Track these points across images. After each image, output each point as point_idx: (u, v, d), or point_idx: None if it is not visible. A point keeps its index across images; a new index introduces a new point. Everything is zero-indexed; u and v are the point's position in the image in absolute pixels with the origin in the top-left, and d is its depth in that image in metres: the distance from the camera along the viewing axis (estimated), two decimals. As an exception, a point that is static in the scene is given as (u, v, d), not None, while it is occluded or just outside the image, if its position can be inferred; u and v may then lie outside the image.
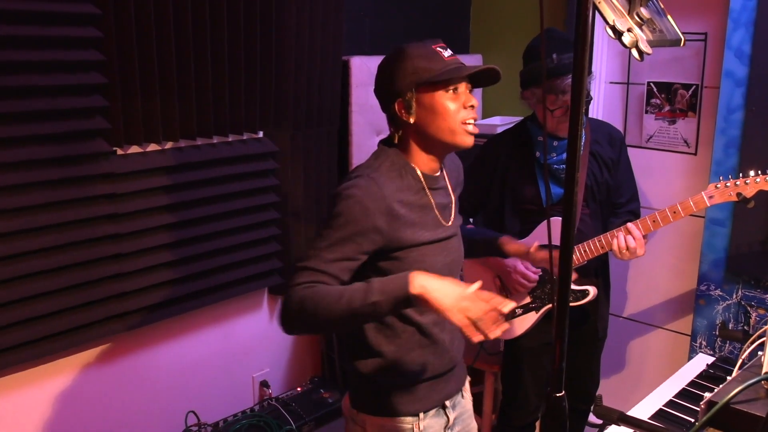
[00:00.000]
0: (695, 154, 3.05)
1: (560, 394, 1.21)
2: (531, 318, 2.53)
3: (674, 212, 2.32)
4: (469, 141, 1.70)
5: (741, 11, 2.62)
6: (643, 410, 1.94)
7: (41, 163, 2.16)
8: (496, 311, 1.43)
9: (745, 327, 2.76)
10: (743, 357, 1.65)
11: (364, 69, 3.14)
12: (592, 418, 2.83)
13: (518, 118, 3.59)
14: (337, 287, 1.56)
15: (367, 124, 3.22)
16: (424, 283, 1.47)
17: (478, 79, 1.72)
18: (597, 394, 1.96)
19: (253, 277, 2.83)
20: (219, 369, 2.85)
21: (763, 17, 2.58)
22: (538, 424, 2.58)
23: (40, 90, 2.12)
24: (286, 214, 2.89)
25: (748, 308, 2.76)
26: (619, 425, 1.69)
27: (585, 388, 2.70)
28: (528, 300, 2.53)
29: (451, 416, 1.87)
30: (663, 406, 1.96)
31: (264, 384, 3.00)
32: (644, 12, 1.20)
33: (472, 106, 1.69)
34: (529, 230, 2.52)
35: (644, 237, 2.36)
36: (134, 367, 2.57)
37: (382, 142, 1.77)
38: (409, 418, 1.77)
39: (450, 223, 1.79)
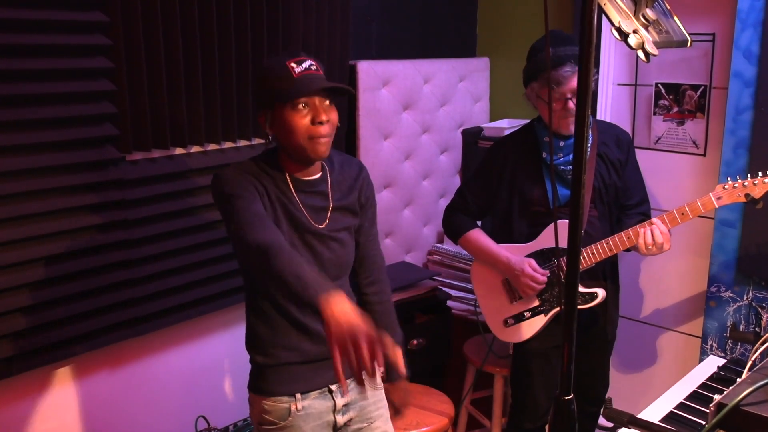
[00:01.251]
0: (704, 155, 3.04)
1: (569, 397, 1.21)
2: (540, 321, 2.53)
3: (682, 214, 2.31)
4: (318, 154, 1.78)
5: (749, 11, 2.62)
6: (654, 413, 1.94)
7: (50, 171, 2.17)
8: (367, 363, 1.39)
9: (756, 329, 2.75)
10: (753, 358, 1.64)
11: (371, 73, 3.15)
12: (602, 420, 2.82)
13: (526, 121, 3.60)
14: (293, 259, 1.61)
15: (375, 128, 3.23)
16: (332, 307, 1.45)
17: (335, 91, 1.79)
18: (607, 396, 1.95)
19: (262, 282, 2.83)
20: (229, 373, 2.86)
21: (771, 17, 2.57)
22: (548, 427, 2.57)
23: (50, 98, 2.14)
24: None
25: (759, 310, 2.75)
26: (629, 428, 1.68)
27: (595, 390, 2.70)
28: (536, 303, 2.53)
29: (339, 401, 1.96)
30: (673, 408, 1.96)
31: (274, 388, 3.00)
32: (650, 13, 1.20)
33: (321, 123, 1.75)
34: (538, 232, 2.52)
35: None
36: (144, 372, 2.58)
37: (265, 147, 1.91)
38: (285, 398, 1.89)
39: (323, 225, 1.88)
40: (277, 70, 1.76)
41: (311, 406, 1.92)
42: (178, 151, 2.51)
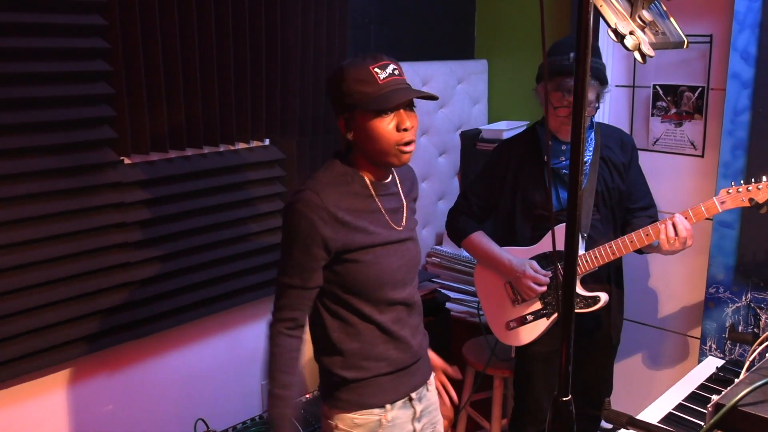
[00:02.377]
0: (702, 156, 3.04)
1: (567, 398, 1.21)
2: (542, 325, 2.53)
3: (686, 218, 2.30)
4: (402, 160, 1.76)
5: (746, 13, 2.62)
6: (653, 414, 1.94)
7: (49, 173, 2.17)
8: None
9: (755, 329, 2.75)
10: (751, 359, 1.64)
11: (369, 76, 3.15)
12: (604, 423, 2.82)
13: (524, 123, 3.61)
14: (286, 362, 1.79)
15: (373, 131, 3.23)
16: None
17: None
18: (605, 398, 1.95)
19: (261, 285, 2.83)
20: (228, 376, 2.85)
21: (769, 18, 2.57)
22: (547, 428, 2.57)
23: (48, 100, 2.14)
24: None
25: (758, 311, 2.75)
26: (628, 429, 1.68)
27: (598, 394, 2.69)
28: (539, 306, 2.53)
29: (418, 408, 1.94)
30: (672, 409, 1.96)
31: (273, 391, 3.00)
32: (646, 15, 1.20)
33: (406, 129, 1.72)
34: (541, 236, 2.52)
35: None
36: (143, 375, 2.58)
37: (335, 152, 1.86)
38: (376, 410, 1.86)
39: (402, 227, 1.86)
40: (361, 75, 1.70)
41: (397, 416, 1.89)
42: (176, 154, 2.51)
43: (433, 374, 2.06)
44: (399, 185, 1.90)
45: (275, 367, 1.77)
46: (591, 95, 2.35)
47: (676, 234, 2.30)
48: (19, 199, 2.11)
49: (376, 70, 1.70)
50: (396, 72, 1.73)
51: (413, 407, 1.93)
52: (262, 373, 1.83)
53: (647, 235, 2.35)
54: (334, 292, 1.81)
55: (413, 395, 1.93)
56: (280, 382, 1.77)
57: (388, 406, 1.87)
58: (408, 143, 1.73)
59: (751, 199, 2.21)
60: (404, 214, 1.88)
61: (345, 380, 1.85)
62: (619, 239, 2.38)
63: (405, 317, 1.88)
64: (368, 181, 1.80)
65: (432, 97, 1.75)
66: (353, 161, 1.81)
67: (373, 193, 1.81)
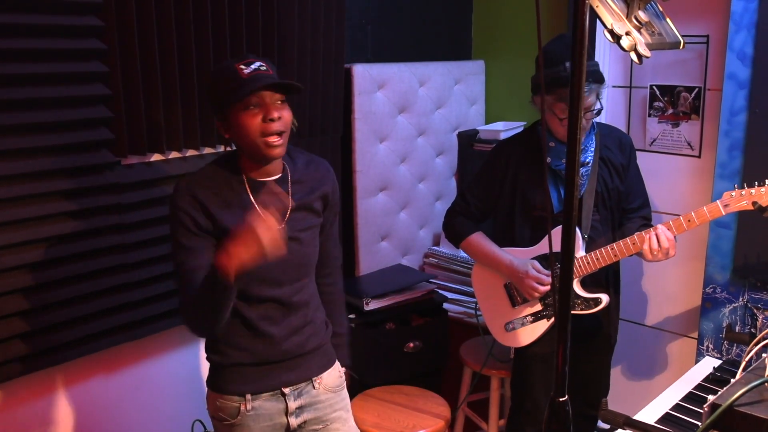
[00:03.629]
0: (699, 156, 3.05)
1: (564, 399, 1.21)
2: (542, 326, 2.53)
3: (689, 220, 2.30)
4: (273, 153, 1.80)
5: (742, 13, 2.62)
6: (650, 414, 1.94)
7: (46, 175, 2.17)
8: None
9: (752, 329, 2.75)
10: (747, 359, 1.64)
11: (366, 76, 3.15)
12: (601, 423, 2.82)
13: (521, 123, 3.61)
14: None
15: (371, 132, 3.23)
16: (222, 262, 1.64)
17: (288, 89, 1.81)
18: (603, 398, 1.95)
19: (258, 286, 2.83)
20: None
21: (765, 19, 2.58)
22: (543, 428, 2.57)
23: (44, 102, 2.14)
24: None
25: (755, 311, 2.75)
26: (624, 429, 1.68)
27: (597, 394, 2.69)
28: (539, 308, 2.53)
29: (292, 403, 1.99)
30: (669, 409, 1.96)
31: (270, 392, 3.00)
32: (642, 15, 1.20)
33: (272, 120, 1.76)
34: (540, 237, 2.51)
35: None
36: (141, 376, 2.57)
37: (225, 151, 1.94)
38: (236, 398, 1.93)
39: (280, 226, 1.86)
40: (226, 73, 1.78)
41: (261, 407, 1.94)
42: (174, 155, 2.51)
43: (330, 370, 2.06)
44: (289, 186, 1.92)
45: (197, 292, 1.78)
46: (592, 98, 2.35)
47: (659, 245, 2.31)
48: (16, 200, 2.11)
49: (241, 66, 1.77)
50: (263, 68, 1.78)
51: (286, 402, 1.97)
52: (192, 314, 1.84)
53: (633, 244, 2.37)
54: None
55: (287, 390, 1.97)
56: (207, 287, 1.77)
57: (248, 396, 1.92)
58: (274, 135, 1.77)
59: (754, 203, 2.21)
60: (287, 215, 1.90)
61: (212, 362, 1.97)
62: (621, 241, 2.39)
63: (277, 316, 1.93)
64: (245, 178, 1.87)
65: (296, 88, 1.81)
66: (238, 158, 1.88)
67: (248, 189, 1.87)
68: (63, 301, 2.24)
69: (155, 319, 2.50)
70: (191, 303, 1.79)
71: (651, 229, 2.34)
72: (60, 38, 2.14)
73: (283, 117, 1.79)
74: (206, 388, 2.01)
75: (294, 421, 2.00)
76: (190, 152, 2.56)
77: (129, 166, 2.39)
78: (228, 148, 1.94)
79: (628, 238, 2.37)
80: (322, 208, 2.00)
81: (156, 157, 2.46)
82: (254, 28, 2.59)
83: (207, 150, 2.60)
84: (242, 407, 1.92)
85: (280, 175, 1.91)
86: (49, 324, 2.22)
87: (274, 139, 1.78)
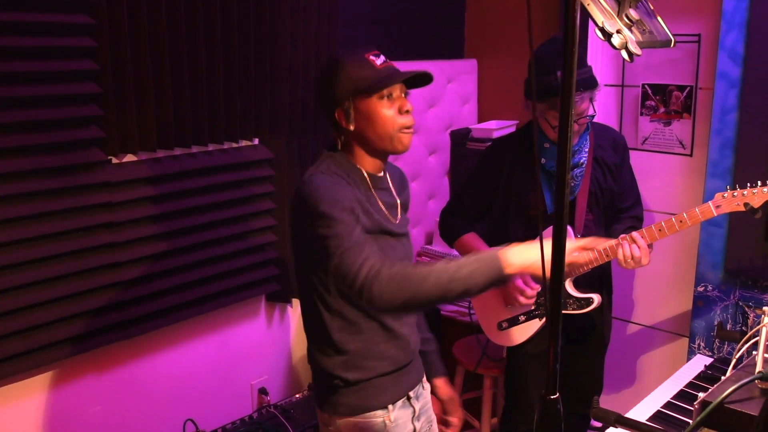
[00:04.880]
0: (691, 155, 3.05)
1: (555, 397, 1.21)
2: (534, 325, 2.53)
3: (680, 221, 2.30)
4: (404, 144, 1.76)
5: (734, 12, 2.63)
6: (641, 412, 1.95)
7: (36, 173, 2.16)
8: None
9: (743, 327, 2.76)
10: (737, 356, 1.64)
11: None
12: (594, 421, 2.82)
13: (513, 122, 3.61)
14: (424, 269, 1.57)
15: (363, 130, 3.22)
16: (514, 261, 1.54)
17: (413, 83, 1.79)
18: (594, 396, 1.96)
19: (250, 285, 2.83)
20: (217, 377, 2.85)
21: (756, 18, 2.58)
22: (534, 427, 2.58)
23: (35, 100, 2.13)
24: (283, 221, 2.89)
25: (746, 309, 2.76)
26: (616, 427, 1.68)
27: (590, 393, 2.69)
28: (531, 307, 2.53)
29: (417, 406, 1.93)
30: (661, 407, 1.97)
31: (262, 391, 2.99)
32: (633, 13, 1.20)
33: (408, 111, 1.75)
34: (533, 236, 2.51)
35: (649, 246, 2.35)
36: (132, 376, 2.57)
37: (328, 147, 1.85)
38: (380, 412, 1.82)
39: (398, 220, 1.86)
40: (358, 61, 1.74)
41: (399, 416, 1.86)
42: (165, 153, 2.50)
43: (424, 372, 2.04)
44: (390, 182, 1.90)
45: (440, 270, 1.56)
46: (585, 104, 2.36)
47: (631, 256, 2.31)
48: (6, 199, 2.10)
49: (371, 57, 1.75)
50: (387, 60, 1.78)
51: (412, 406, 1.91)
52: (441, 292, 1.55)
53: (612, 249, 2.36)
54: (337, 288, 1.76)
55: (411, 393, 1.91)
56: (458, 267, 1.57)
57: (390, 407, 1.84)
58: (409, 126, 1.76)
59: (746, 204, 2.21)
60: (398, 210, 1.88)
61: (347, 382, 1.80)
62: (611, 241, 2.39)
63: (404, 315, 1.88)
64: (366, 174, 1.80)
65: (428, 76, 1.78)
66: (350, 155, 1.81)
67: (371, 185, 1.81)
68: (53, 300, 2.24)
69: (147, 318, 2.49)
70: (408, 277, 1.55)
71: (628, 236, 2.33)
72: (51, 36, 2.14)
73: (411, 109, 1.77)
74: (328, 417, 1.84)
75: (418, 425, 1.93)
76: (182, 151, 2.55)
77: (119, 165, 2.38)
78: (337, 143, 1.81)
79: (608, 245, 2.36)
80: (408, 206, 1.98)
81: (147, 155, 2.45)
82: (247, 26, 2.58)
83: (197, 148, 2.59)
84: (387, 420, 1.83)
85: (384, 171, 1.88)
86: (39, 323, 2.21)
87: (409, 131, 1.76)
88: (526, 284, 2.44)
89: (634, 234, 2.32)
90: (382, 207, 1.82)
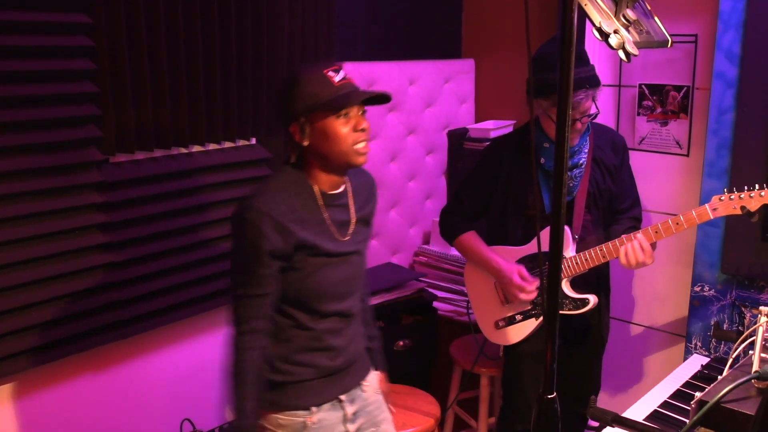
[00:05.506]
0: (687, 155, 3.06)
1: (552, 396, 1.21)
2: (531, 324, 2.53)
3: (677, 223, 2.31)
4: (360, 161, 1.78)
5: (731, 12, 2.64)
6: (638, 411, 1.95)
7: (33, 173, 2.15)
8: None
9: (740, 327, 2.76)
10: (734, 356, 1.65)
11: (356, 75, 3.15)
12: (592, 421, 2.83)
13: (511, 122, 3.61)
14: (252, 375, 1.79)
15: (361, 130, 3.22)
16: None
17: (371, 100, 1.80)
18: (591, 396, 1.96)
19: (247, 284, 2.82)
20: (214, 376, 2.82)
21: (753, 18, 2.59)
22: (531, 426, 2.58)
23: (32, 99, 2.12)
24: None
25: (743, 308, 2.77)
26: (613, 427, 1.69)
27: (587, 392, 2.69)
28: (528, 307, 2.53)
29: (349, 410, 1.95)
30: (658, 407, 1.97)
31: (260, 391, 2.99)
32: (631, 14, 1.20)
33: (363, 130, 1.76)
34: (532, 236, 2.52)
35: (652, 245, 2.35)
36: (129, 376, 2.56)
37: (284, 161, 1.86)
38: (301, 412, 1.87)
39: (347, 239, 1.87)
40: (315, 78, 1.74)
41: (324, 418, 1.90)
42: (162, 153, 2.50)
43: (371, 374, 2.07)
44: (351, 197, 1.91)
45: (245, 379, 1.78)
46: (589, 102, 2.36)
47: (635, 257, 2.33)
48: (2, 198, 2.09)
49: (330, 73, 1.75)
50: (347, 77, 1.78)
51: (343, 409, 1.93)
52: (227, 384, 1.82)
53: (615, 248, 2.38)
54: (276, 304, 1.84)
55: (343, 397, 1.94)
56: (251, 395, 1.78)
57: (313, 408, 1.88)
58: (364, 142, 1.77)
59: (743, 207, 2.21)
60: (351, 227, 1.89)
61: (271, 382, 1.87)
62: (609, 242, 2.39)
63: (342, 327, 1.91)
64: (317, 191, 1.82)
65: (385, 98, 1.80)
66: (304, 170, 1.82)
67: (321, 203, 1.82)
68: (49, 300, 2.23)
69: (143, 318, 2.49)
70: (236, 372, 1.80)
71: (631, 235, 2.35)
72: (48, 35, 2.13)
73: (368, 128, 1.78)
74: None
75: (352, 428, 1.96)
76: (179, 150, 2.55)
77: (117, 164, 2.38)
78: (290, 158, 1.86)
79: (609, 243, 2.39)
80: (370, 218, 1.99)
81: (144, 155, 2.44)
82: (244, 26, 2.58)
83: (196, 148, 2.59)
84: (308, 421, 1.87)
85: (343, 187, 1.89)
86: (35, 323, 2.20)
87: (364, 147, 1.77)
88: (524, 279, 2.45)
89: (638, 234, 2.33)
90: (331, 227, 1.83)
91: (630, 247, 2.34)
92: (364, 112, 1.78)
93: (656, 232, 2.33)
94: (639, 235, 2.34)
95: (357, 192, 1.93)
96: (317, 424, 1.88)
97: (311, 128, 1.75)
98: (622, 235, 2.38)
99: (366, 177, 2.01)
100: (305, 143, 1.76)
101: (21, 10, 2.05)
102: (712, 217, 2.27)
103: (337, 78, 1.74)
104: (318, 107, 1.72)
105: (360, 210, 1.92)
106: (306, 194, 1.81)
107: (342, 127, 1.73)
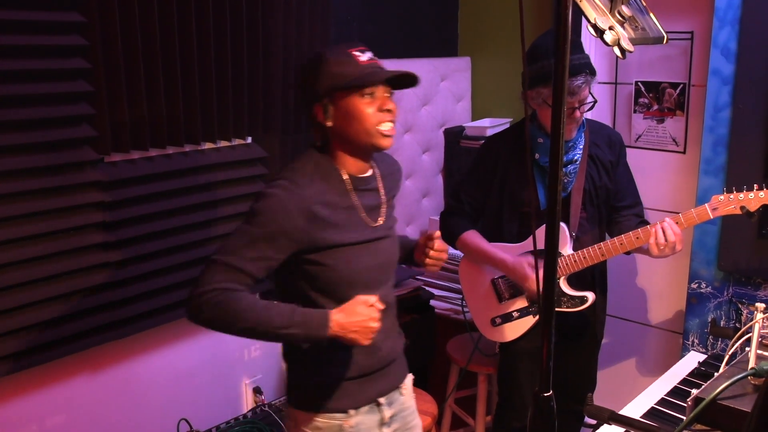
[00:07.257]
0: (684, 152, 3.06)
1: (548, 394, 1.21)
2: (528, 322, 2.53)
3: (676, 222, 2.31)
4: (385, 143, 1.73)
5: (726, 9, 2.64)
6: (635, 409, 1.95)
7: (28, 172, 2.14)
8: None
9: (737, 324, 2.77)
10: (730, 353, 1.65)
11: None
12: (588, 419, 2.83)
13: (507, 120, 3.61)
14: (258, 302, 1.64)
15: (357, 128, 3.22)
16: (339, 328, 1.62)
17: (398, 83, 1.75)
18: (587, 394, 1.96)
19: (244, 283, 2.82)
20: (211, 376, 2.84)
21: (749, 15, 2.59)
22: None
23: (26, 99, 2.11)
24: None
25: (740, 305, 2.77)
26: (609, 424, 1.69)
27: (583, 390, 2.69)
28: (525, 304, 2.53)
29: (387, 413, 1.90)
30: (655, 404, 1.97)
31: (257, 390, 2.98)
32: (626, 10, 1.20)
33: (389, 110, 1.71)
34: (528, 233, 2.51)
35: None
36: (126, 375, 2.56)
37: (311, 145, 1.81)
38: (338, 414, 1.81)
39: (379, 224, 1.82)
40: (341, 57, 1.70)
41: (362, 422, 1.84)
42: (157, 152, 2.49)
43: (408, 377, 2.02)
44: (380, 181, 1.86)
45: (246, 315, 1.61)
46: (586, 92, 2.35)
47: (666, 239, 2.29)
48: (-3, 198, 2.09)
49: (356, 53, 1.71)
50: (374, 57, 1.74)
51: (381, 412, 1.89)
52: (245, 334, 1.65)
53: (637, 238, 2.33)
54: (304, 292, 1.76)
55: (381, 400, 1.89)
56: (268, 315, 1.63)
57: (351, 411, 1.82)
58: (389, 123, 1.72)
59: (742, 207, 2.22)
60: (382, 212, 1.84)
61: (308, 381, 1.82)
62: (608, 241, 2.38)
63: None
64: (346, 175, 1.77)
65: (412, 80, 1.75)
66: (330, 154, 1.78)
67: (350, 187, 1.77)
68: (45, 300, 2.22)
69: (140, 317, 2.48)
70: (231, 312, 1.62)
71: (657, 222, 2.33)
72: (42, 34, 2.12)
73: (394, 111, 1.74)
74: (292, 409, 1.87)
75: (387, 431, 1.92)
76: (174, 149, 2.54)
77: (112, 164, 2.37)
78: (315, 142, 1.82)
79: (631, 233, 2.34)
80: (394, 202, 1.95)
81: (139, 154, 2.43)
82: (239, 23, 2.57)
83: (190, 147, 2.58)
84: (345, 424, 1.81)
85: (371, 171, 1.83)
86: (32, 323, 2.20)
87: (389, 128, 1.72)
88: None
89: (666, 219, 2.30)
90: (362, 212, 1.78)
91: (660, 229, 2.28)
92: (391, 94, 1.74)
93: (676, 223, 2.33)
94: (668, 219, 2.30)
95: (385, 174, 1.89)
96: (354, 428, 1.82)
97: (335, 108, 1.71)
98: (640, 228, 2.35)
99: (391, 161, 1.96)
100: (329, 124, 1.72)
101: (14, 9, 2.04)
102: (711, 217, 2.27)
103: (363, 57, 1.70)
104: (343, 86, 1.68)
105: (387, 194, 1.88)
106: (334, 179, 1.75)
107: (367, 107, 1.69)
